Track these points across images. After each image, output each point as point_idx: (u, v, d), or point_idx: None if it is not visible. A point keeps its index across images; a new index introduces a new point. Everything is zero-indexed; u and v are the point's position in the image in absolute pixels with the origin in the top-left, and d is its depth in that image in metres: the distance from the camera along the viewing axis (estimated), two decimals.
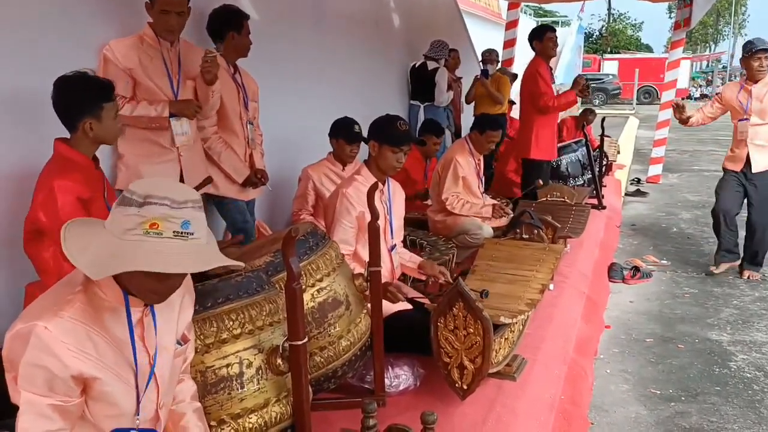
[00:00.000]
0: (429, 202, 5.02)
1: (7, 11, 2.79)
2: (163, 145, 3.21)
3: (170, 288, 1.53)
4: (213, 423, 1.86)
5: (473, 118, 5.42)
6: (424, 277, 3.32)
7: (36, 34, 2.91)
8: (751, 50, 4.87)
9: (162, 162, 3.21)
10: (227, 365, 1.88)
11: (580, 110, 9.41)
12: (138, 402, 1.57)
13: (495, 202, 4.82)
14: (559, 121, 8.59)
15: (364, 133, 3.47)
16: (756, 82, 4.94)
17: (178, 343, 1.69)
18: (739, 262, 5.30)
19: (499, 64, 8.68)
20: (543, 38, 5.40)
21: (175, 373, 1.70)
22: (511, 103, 8.13)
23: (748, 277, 5.17)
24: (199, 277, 2.04)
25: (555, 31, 5.54)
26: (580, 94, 5.45)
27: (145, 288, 1.49)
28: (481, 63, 7.89)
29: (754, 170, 4.99)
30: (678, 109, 5.33)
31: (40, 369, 1.40)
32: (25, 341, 1.39)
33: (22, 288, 2.48)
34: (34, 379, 1.41)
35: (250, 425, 1.89)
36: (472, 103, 7.78)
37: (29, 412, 1.42)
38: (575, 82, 5.47)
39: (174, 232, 1.42)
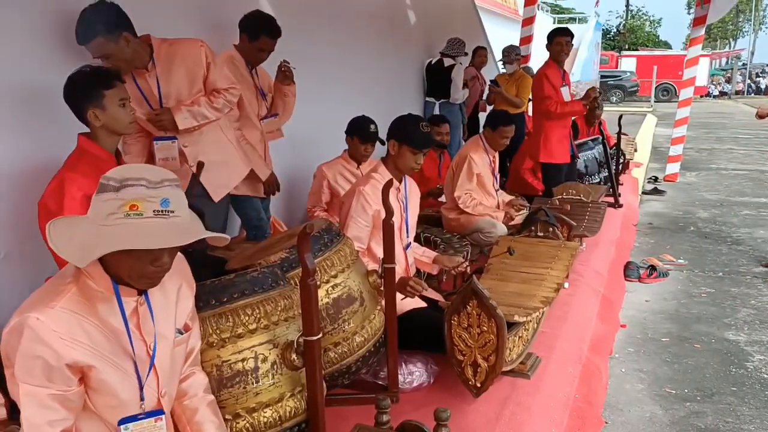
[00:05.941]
0: (442, 198, 5.00)
1: (26, 11, 2.83)
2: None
3: (160, 269, 1.51)
4: (228, 417, 1.88)
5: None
6: (436, 272, 3.31)
7: (62, 33, 2.94)
8: None
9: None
10: (243, 360, 1.90)
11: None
12: (141, 389, 1.58)
13: (511, 197, 4.81)
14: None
15: (382, 132, 3.45)
16: None
17: (179, 332, 1.70)
18: None
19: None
20: (552, 41, 5.32)
21: (176, 362, 1.71)
22: (531, 100, 8.05)
23: None
24: (214, 273, 2.07)
25: (567, 35, 5.38)
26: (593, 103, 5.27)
27: (135, 273, 1.49)
28: (501, 62, 7.82)
29: None
30: None
31: (36, 360, 1.42)
32: (19, 334, 1.41)
33: (42, 281, 2.51)
34: (31, 370, 1.43)
35: (265, 419, 1.91)
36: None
37: (31, 403, 1.44)
38: (586, 94, 5.35)
39: (154, 211, 1.43)
